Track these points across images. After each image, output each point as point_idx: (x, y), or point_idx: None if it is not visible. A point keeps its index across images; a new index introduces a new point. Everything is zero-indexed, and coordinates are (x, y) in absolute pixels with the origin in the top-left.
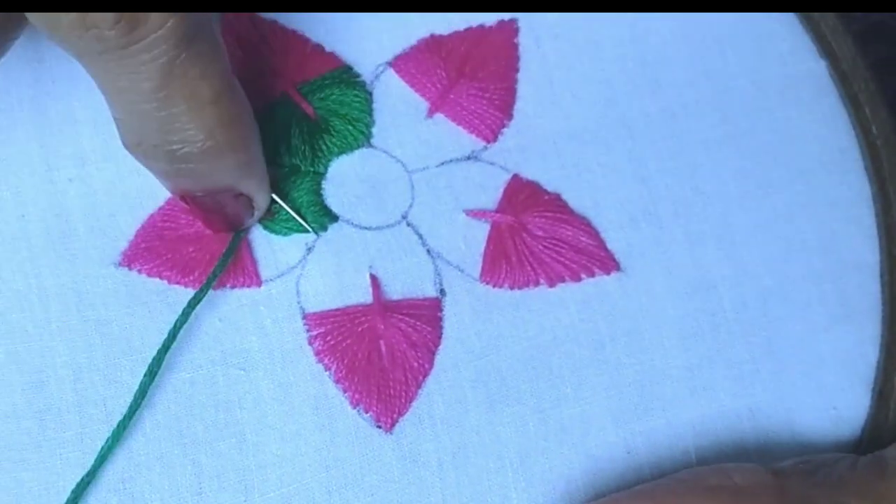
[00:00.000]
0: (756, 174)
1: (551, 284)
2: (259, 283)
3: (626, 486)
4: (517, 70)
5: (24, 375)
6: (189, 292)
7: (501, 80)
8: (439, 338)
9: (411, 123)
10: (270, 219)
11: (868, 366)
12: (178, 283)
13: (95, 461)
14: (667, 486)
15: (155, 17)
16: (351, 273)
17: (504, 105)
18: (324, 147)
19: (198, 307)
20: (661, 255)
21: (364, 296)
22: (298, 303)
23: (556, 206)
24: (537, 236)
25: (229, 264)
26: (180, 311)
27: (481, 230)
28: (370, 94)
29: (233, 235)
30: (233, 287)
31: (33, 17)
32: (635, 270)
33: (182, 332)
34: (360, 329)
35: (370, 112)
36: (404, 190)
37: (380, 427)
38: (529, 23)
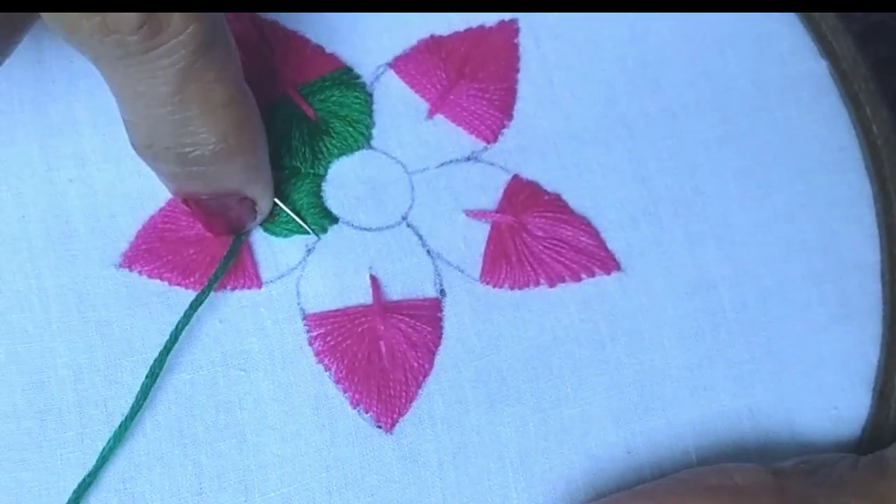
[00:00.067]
0: (756, 174)
1: (551, 284)
2: (259, 285)
3: (626, 486)
4: (517, 70)
5: (25, 376)
6: (190, 294)
7: (501, 81)
8: (439, 338)
9: (411, 124)
10: (271, 221)
11: (868, 365)
12: (178, 284)
13: (97, 461)
14: (667, 486)
15: (176, 23)
16: (351, 274)
17: (504, 105)
18: (324, 149)
19: (199, 309)
20: (662, 255)
21: (364, 296)
22: (299, 304)
23: (556, 206)
24: (537, 236)
25: (230, 266)
26: (181, 313)
27: (481, 230)
28: (370, 95)
29: (234, 238)
30: (233, 289)
31: (51, 21)
32: (635, 270)
33: (183, 333)
34: (360, 329)
35: (370, 113)
36: (404, 191)
37: (380, 427)
38: (529, 23)
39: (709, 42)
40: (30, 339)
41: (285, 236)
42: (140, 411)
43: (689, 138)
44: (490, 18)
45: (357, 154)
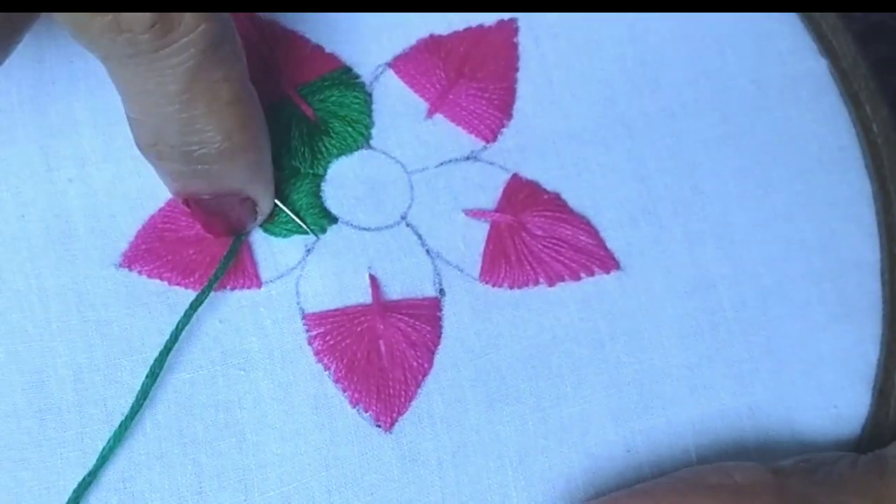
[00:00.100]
0: (755, 173)
1: (551, 284)
2: (259, 285)
3: (625, 485)
4: (517, 70)
5: (25, 375)
6: (189, 294)
7: (501, 80)
8: (439, 337)
9: (411, 124)
10: (270, 221)
11: (868, 364)
12: (178, 284)
13: (97, 461)
14: (667, 484)
15: (187, 22)
16: (350, 273)
17: (503, 105)
18: (323, 149)
19: (198, 308)
20: (661, 254)
21: (363, 296)
22: (298, 303)
23: (555, 205)
24: (537, 236)
25: (230, 266)
26: (181, 313)
27: (481, 230)
28: (370, 95)
29: (234, 238)
30: (233, 288)
31: (62, 20)
32: (635, 269)
33: (183, 333)
34: (359, 329)
35: (370, 113)
36: (403, 190)
37: (379, 426)
38: (529, 23)
39: (708, 41)
40: (30, 338)
41: (285, 236)
42: (140, 411)
43: (689, 138)
44: (489, 18)
45: (356, 154)
